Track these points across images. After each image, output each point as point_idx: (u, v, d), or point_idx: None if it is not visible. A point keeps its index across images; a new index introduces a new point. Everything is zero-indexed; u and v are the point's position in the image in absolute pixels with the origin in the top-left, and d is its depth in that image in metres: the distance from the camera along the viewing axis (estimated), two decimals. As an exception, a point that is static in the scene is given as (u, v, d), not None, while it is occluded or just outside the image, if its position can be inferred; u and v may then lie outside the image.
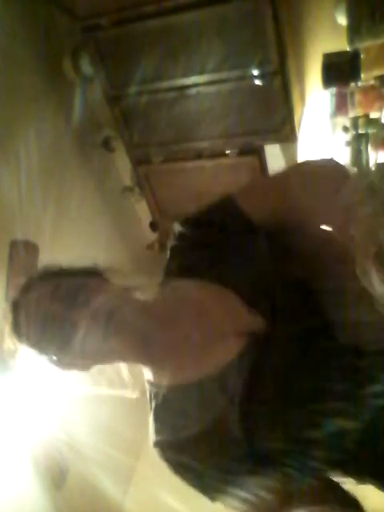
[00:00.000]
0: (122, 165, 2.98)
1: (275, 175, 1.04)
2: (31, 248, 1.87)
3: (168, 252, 0.93)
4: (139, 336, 0.79)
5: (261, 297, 0.78)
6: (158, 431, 0.80)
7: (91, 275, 0.86)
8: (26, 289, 0.83)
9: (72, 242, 2.62)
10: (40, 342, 0.79)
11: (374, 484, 0.92)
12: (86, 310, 0.75)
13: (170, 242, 0.92)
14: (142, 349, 0.81)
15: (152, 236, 3.16)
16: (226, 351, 0.76)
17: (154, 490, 2.58)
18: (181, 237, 0.90)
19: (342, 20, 2.00)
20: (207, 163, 2.47)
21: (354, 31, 1.93)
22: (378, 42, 1.97)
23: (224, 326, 0.78)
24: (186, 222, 0.90)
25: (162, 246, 3.02)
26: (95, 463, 2.54)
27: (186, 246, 0.89)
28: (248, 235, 0.83)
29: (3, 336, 1.89)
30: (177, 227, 0.91)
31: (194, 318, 0.80)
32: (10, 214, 2.23)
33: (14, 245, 1.81)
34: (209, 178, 2.53)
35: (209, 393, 0.76)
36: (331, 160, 0.98)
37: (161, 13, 2.01)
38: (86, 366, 0.85)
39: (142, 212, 3.15)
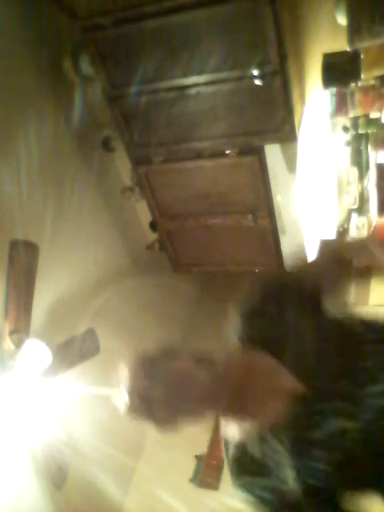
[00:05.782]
0: (122, 165, 2.98)
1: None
2: (31, 248, 1.87)
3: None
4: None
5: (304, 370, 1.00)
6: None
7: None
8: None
9: (72, 242, 2.62)
10: None
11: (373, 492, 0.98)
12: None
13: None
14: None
15: (152, 236, 3.16)
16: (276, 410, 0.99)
17: (154, 489, 2.59)
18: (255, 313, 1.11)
19: (342, 20, 2.00)
20: (207, 163, 2.47)
21: (353, 31, 1.93)
22: (378, 41, 1.97)
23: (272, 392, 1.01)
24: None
25: (162, 246, 3.02)
26: (95, 463, 2.54)
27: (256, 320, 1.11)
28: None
29: (3, 336, 1.89)
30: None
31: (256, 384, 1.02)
32: (9, 213, 2.23)
33: (14, 245, 1.81)
34: (209, 178, 2.53)
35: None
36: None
37: (161, 13, 2.01)
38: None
39: (142, 212, 3.15)
